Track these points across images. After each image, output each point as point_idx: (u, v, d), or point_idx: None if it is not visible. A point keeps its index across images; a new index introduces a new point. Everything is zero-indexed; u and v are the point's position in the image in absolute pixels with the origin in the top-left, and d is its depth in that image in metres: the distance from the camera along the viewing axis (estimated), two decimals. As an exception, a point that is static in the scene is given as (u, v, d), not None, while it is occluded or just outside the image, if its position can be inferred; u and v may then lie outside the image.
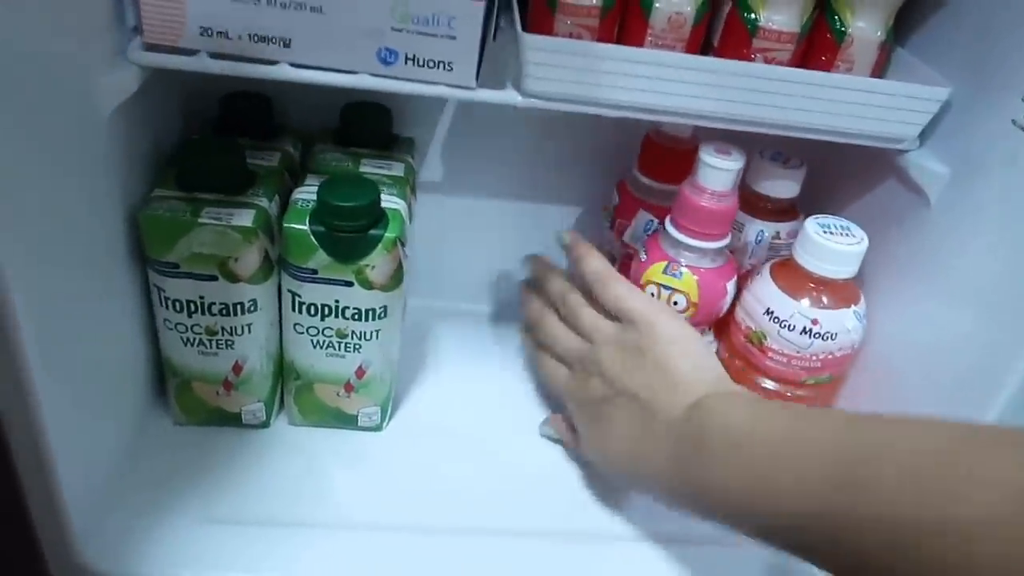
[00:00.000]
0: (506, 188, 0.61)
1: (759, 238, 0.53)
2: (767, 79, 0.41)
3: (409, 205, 0.51)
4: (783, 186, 0.52)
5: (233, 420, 0.51)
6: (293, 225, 0.44)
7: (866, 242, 0.46)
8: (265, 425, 0.52)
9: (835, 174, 0.55)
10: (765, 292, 0.48)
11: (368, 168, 0.50)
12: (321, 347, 0.48)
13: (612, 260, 0.53)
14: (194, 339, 0.47)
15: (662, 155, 0.51)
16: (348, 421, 0.52)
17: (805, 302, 0.47)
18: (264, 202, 0.46)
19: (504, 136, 0.58)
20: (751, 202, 0.53)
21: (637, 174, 0.53)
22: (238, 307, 0.46)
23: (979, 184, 0.42)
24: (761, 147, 0.52)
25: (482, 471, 0.51)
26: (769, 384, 0.50)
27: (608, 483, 0.50)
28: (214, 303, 0.45)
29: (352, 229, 0.43)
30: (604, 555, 0.47)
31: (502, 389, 0.58)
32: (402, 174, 0.51)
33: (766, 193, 0.52)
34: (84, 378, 0.41)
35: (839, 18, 0.44)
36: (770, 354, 0.49)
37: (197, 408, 0.50)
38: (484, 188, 0.61)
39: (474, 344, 0.62)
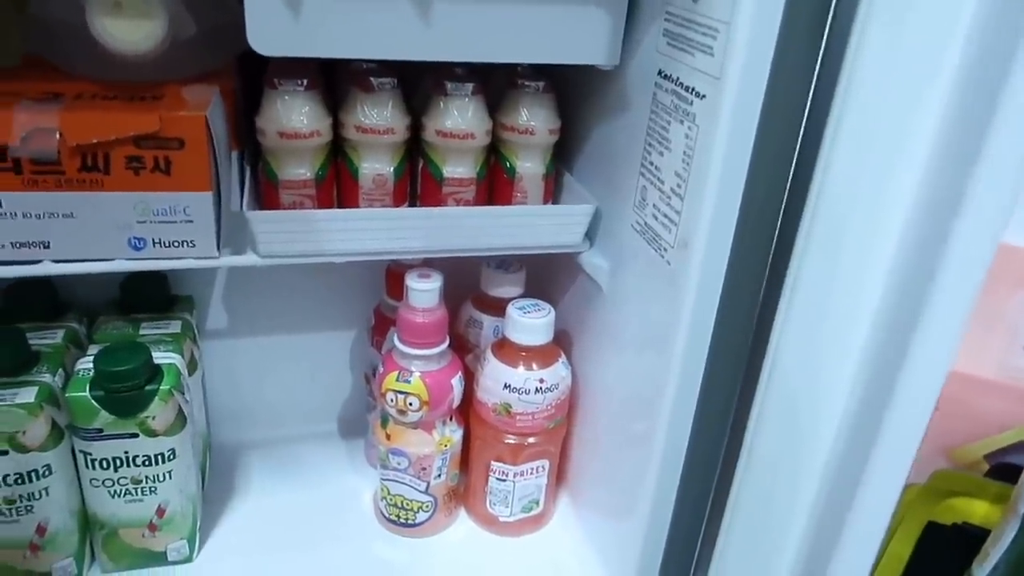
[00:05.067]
0: (288, 323, 0.69)
1: (496, 332, 0.64)
2: (448, 218, 0.54)
3: (191, 356, 0.59)
4: (509, 288, 0.64)
5: (45, 580, 0.55)
6: (75, 393, 0.50)
7: (552, 314, 0.58)
8: (78, 578, 0.56)
9: (547, 271, 0.68)
10: (498, 372, 0.59)
11: (147, 331, 0.58)
12: (119, 496, 0.54)
13: (374, 373, 0.62)
14: (-6, 511, 0.51)
15: (401, 281, 0.61)
16: (157, 559, 0.57)
17: (523, 368, 0.58)
18: (48, 377, 0.52)
19: (276, 280, 0.67)
20: (487, 303, 0.65)
21: (385, 298, 0.64)
22: (32, 474, 0.51)
23: (625, 272, 0.55)
24: (488, 259, 0.64)
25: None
26: (512, 439, 0.60)
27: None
28: (8, 475, 0.50)
29: (128, 388, 0.51)
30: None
31: (308, 503, 0.65)
32: (179, 331, 0.59)
33: (496, 295, 0.64)
34: None
35: (509, 162, 0.57)
36: (519, 417, 0.59)
37: (8, 573, 0.54)
38: (269, 327, 0.69)
39: (280, 466, 0.69)
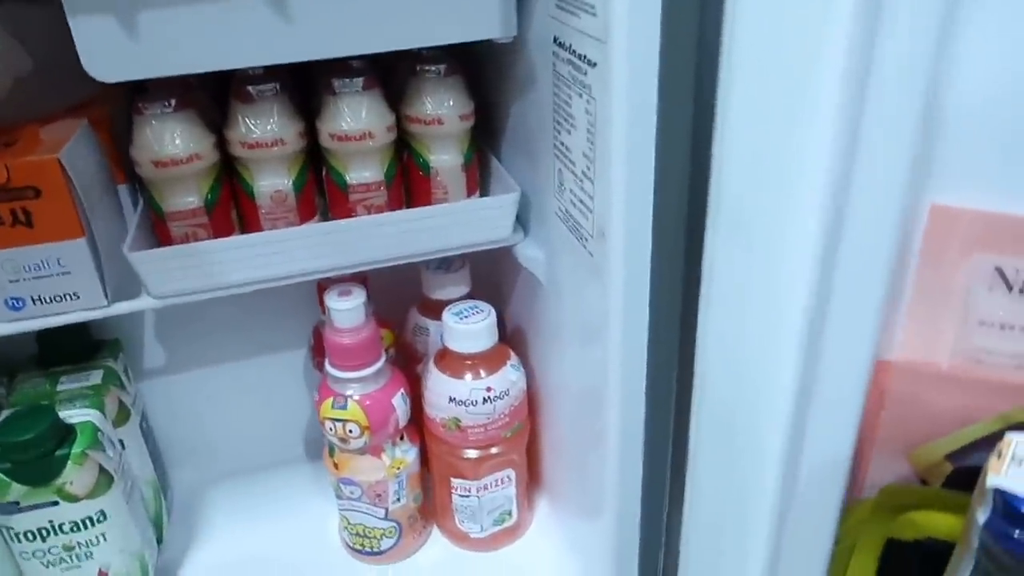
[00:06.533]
0: (231, 351, 0.65)
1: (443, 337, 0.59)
2: (353, 230, 0.49)
3: (119, 405, 0.56)
4: (453, 289, 0.59)
5: (-6, 658, 0.52)
6: (-19, 469, 0.47)
7: (493, 315, 0.53)
8: (29, 651, 0.54)
9: (492, 265, 0.62)
10: (441, 384, 0.54)
11: (65, 385, 0.54)
12: (53, 565, 0.51)
13: (315, 399, 0.58)
14: (-79, 599, 0.49)
15: (330, 297, 0.57)
16: (110, 621, 0.55)
17: (469, 377, 0.54)
18: (-45, 454, 0.49)
19: (209, 309, 0.62)
20: (431, 307, 0.60)
21: (322, 316, 0.59)
22: (-47, 557, 0.48)
23: (557, 263, 0.50)
24: (426, 262, 0.59)
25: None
26: (473, 453, 0.56)
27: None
28: (-74, 562, 0.48)
29: (36, 457, 0.47)
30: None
31: (273, 537, 0.62)
32: (100, 381, 0.55)
33: (440, 298, 0.59)
34: None
35: (421, 157, 0.52)
36: (470, 431, 0.55)
37: (-48, 659, 0.51)
38: (212, 358, 0.65)
39: (244, 501, 0.66)
